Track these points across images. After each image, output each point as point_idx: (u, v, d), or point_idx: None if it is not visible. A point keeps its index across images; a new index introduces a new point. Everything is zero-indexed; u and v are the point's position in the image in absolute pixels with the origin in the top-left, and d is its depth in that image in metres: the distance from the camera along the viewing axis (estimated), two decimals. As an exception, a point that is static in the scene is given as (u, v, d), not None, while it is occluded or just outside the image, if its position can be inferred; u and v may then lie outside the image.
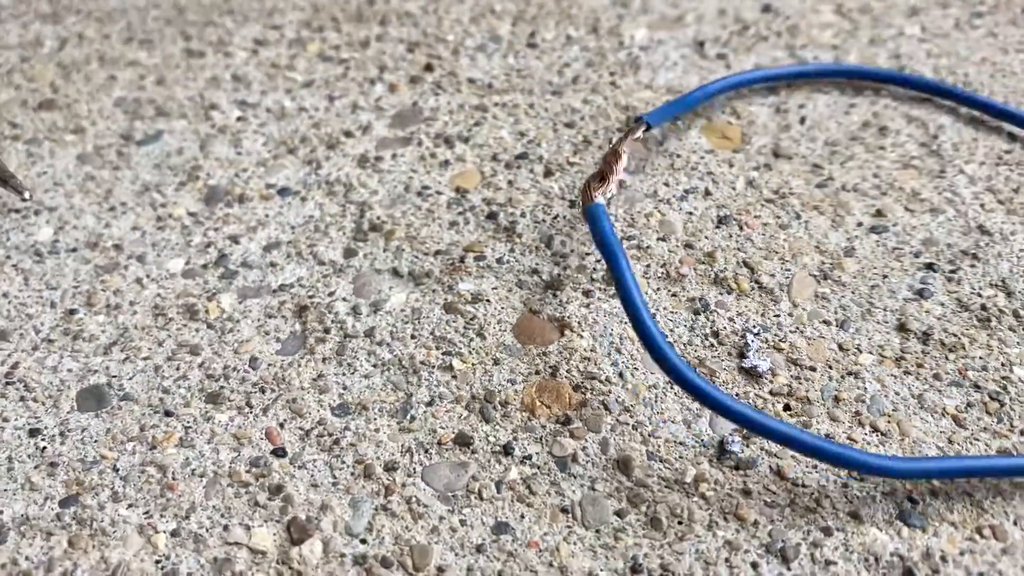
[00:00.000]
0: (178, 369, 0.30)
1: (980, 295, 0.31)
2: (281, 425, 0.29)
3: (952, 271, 0.32)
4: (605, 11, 0.44)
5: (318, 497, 0.27)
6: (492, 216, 0.35)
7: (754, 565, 0.25)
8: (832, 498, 0.27)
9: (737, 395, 0.29)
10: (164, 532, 0.26)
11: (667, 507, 0.26)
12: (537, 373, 0.30)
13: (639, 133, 0.34)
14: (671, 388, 0.29)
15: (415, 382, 0.30)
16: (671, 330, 0.31)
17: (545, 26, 0.43)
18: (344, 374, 0.30)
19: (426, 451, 0.28)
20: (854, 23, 0.43)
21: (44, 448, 0.28)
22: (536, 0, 0.45)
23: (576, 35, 0.43)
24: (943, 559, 0.25)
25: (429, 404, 0.29)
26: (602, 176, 0.31)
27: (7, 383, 0.30)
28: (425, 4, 0.45)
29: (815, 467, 0.27)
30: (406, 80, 0.41)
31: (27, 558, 0.26)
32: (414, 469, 0.28)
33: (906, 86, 0.38)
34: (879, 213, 0.34)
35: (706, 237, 0.34)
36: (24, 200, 0.31)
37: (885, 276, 0.32)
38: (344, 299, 0.32)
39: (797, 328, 0.31)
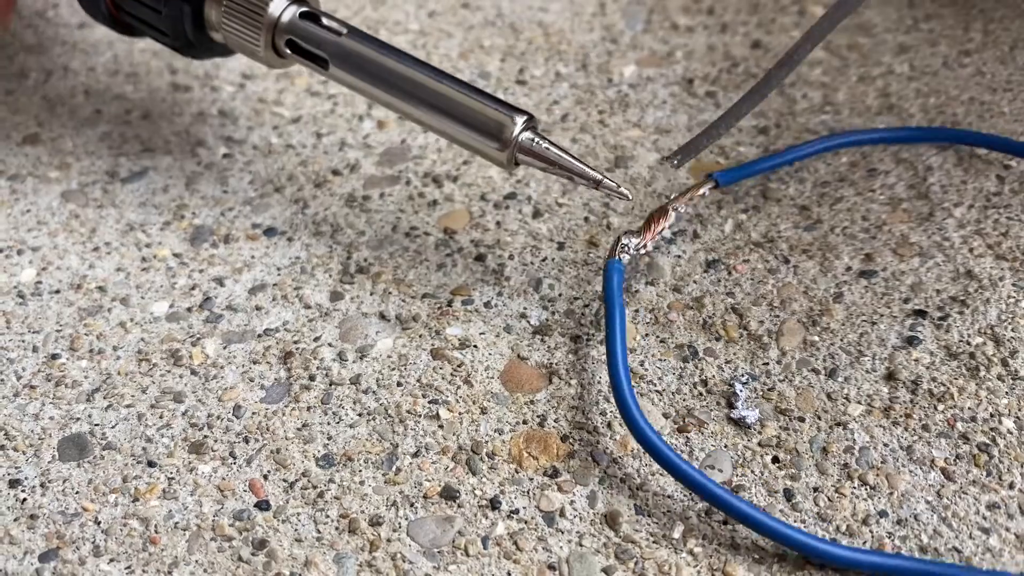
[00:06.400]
0: (161, 417, 0.30)
1: (969, 343, 0.31)
2: (265, 476, 0.28)
3: (941, 318, 0.32)
4: (595, 47, 0.44)
5: (302, 552, 0.27)
6: (480, 258, 0.35)
7: (742, 625, 0.25)
8: (821, 554, 0.26)
9: (726, 447, 0.29)
10: (145, 589, 0.26)
11: (655, 563, 0.26)
12: (525, 423, 0.30)
13: (704, 190, 0.33)
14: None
15: (401, 432, 0.29)
16: (660, 378, 0.31)
17: (534, 62, 0.43)
18: (329, 423, 0.30)
19: (412, 505, 0.28)
20: (843, 60, 0.43)
21: (24, 500, 0.28)
22: (525, 35, 0.44)
23: (565, 72, 0.42)
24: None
25: (415, 455, 0.29)
26: (640, 231, 0.31)
27: (-13, 432, 0.30)
28: (414, 39, 0.44)
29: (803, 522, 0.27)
30: (395, 116, 0.40)
31: (5, 617, 0.25)
32: (399, 524, 0.27)
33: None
34: (868, 257, 0.34)
35: (694, 281, 0.33)
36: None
37: (874, 323, 0.32)
38: (330, 344, 0.32)
39: (786, 377, 0.31)
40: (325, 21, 0.32)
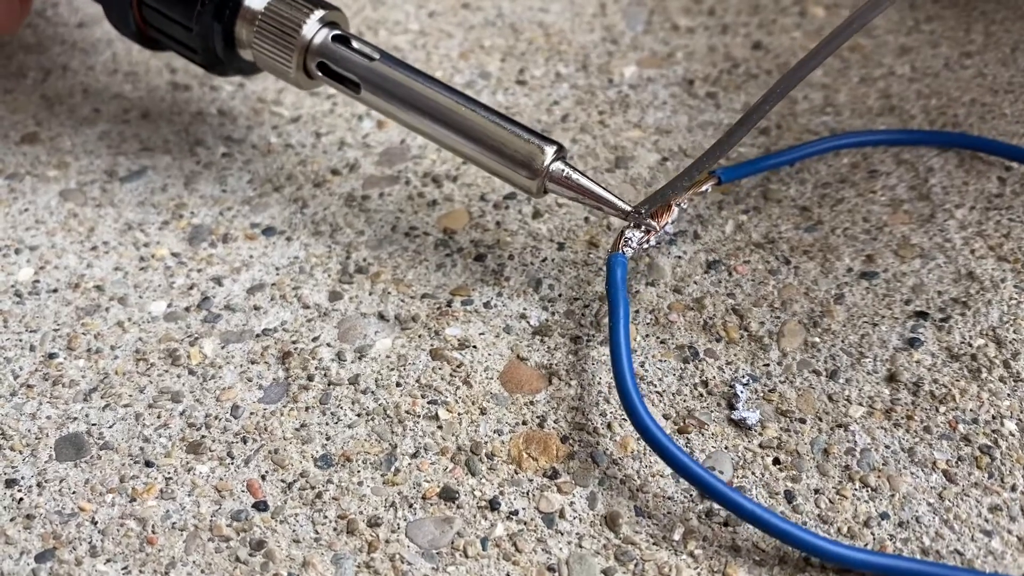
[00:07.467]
0: (159, 417, 0.30)
1: (971, 344, 0.31)
2: (263, 477, 0.28)
3: (943, 320, 0.32)
4: (595, 47, 0.44)
5: (300, 553, 0.27)
6: (480, 258, 0.34)
7: (743, 627, 0.25)
8: (822, 556, 0.26)
9: (727, 448, 0.29)
10: (142, 590, 0.26)
11: (655, 565, 0.26)
12: (524, 423, 0.30)
13: (706, 186, 0.33)
14: (659, 440, 0.29)
15: (400, 432, 0.29)
16: (660, 379, 0.31)
17: (534, 63, 0.43)
18: (328, 424, 0.30)
19: (410, 506, 0.28)
20: (845, 61, 0.43)
21: (21, 499, 0.28)
22: (526, 36, 0.44)
23: (565, 72, 0.42)
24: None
25: (414, 456, 0.29)
26: (644, 227, 0.32)
27: (-16, 431, 0.29)
28: (414, 39, 0.44)
29: (804, 522, 0.27)
30: (394, 116, 0.40)
31: (1, 617, 0.25)
32: (398, 525, 0.27)
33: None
34: (869, 259, 0.34)
35: (695, 282, 0.33)
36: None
37: (875, 324, 0.32)
38: (329, 344, 0.32)
39: (787, 378, 0.30)
40: (356, 45, 0.33)
